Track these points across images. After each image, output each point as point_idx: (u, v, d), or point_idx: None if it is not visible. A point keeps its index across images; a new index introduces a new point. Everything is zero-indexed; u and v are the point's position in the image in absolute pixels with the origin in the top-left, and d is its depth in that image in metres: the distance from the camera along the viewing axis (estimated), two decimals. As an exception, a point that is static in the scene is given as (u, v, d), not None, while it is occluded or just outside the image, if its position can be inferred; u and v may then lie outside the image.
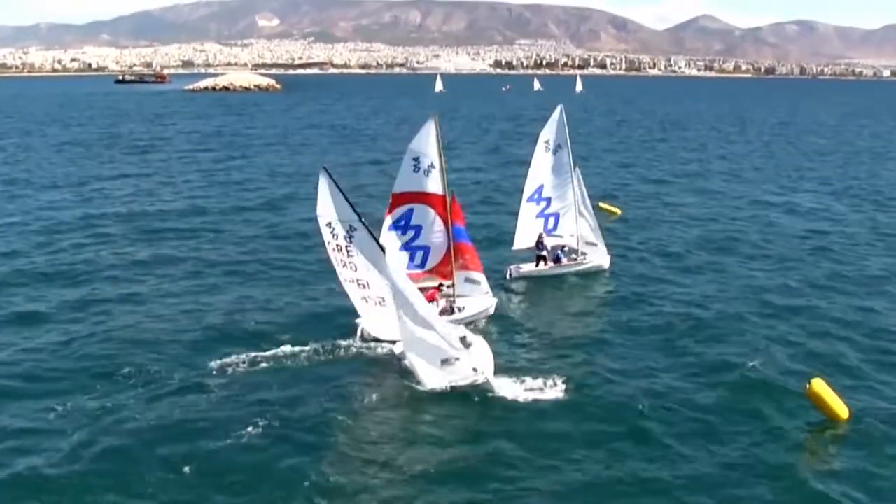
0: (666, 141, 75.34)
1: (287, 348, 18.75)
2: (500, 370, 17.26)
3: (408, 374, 17.01)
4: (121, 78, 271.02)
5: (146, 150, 63.38)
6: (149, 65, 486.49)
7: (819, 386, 15.50)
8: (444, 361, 16.45)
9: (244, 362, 18.05)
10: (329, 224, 18.03)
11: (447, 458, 14.11)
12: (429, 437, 14.95)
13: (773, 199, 41.76)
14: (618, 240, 30.33)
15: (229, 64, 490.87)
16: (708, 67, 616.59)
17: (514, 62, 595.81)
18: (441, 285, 20.90)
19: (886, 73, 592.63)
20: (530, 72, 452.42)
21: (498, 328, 20.92)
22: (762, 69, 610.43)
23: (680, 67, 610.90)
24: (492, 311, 21.61)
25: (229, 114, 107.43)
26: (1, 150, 61.94)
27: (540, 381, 16.85)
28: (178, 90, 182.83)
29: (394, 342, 18.25)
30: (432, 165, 19.68)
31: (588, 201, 26.39)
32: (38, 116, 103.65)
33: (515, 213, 26.54)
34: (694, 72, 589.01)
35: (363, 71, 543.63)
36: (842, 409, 15.38)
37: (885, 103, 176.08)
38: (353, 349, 18.97)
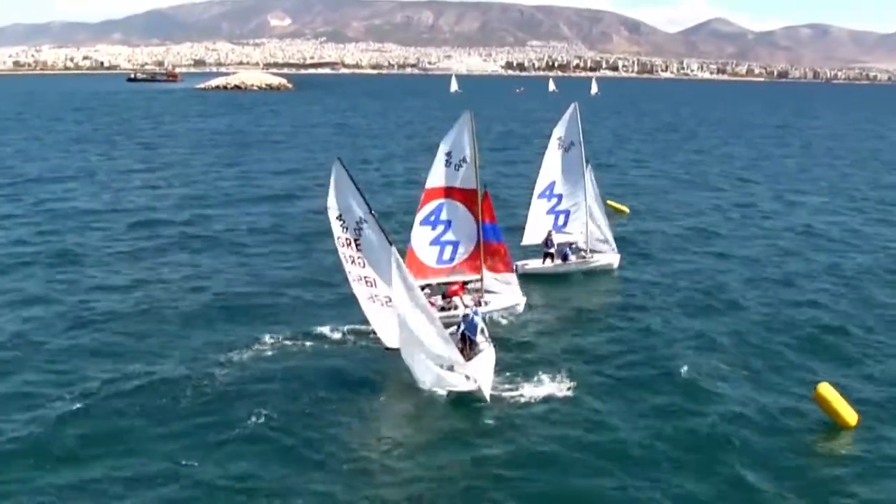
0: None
1: (289, 342, 18.96)
2: (500, 370, 17.11)
3: (406, 373, 16.83)
4: (133, 76, 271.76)
5: (155, 145, 63.70)
6: (160, 63, 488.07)
7: (826, 390, 15.29)
8: (440, 366, 16.45)
9: (245, 355, 18.18)
10: (339, 217, 17.79)
11: (446, 459, 14.00)
12: (428, 437, 14.86)
13: (795, 200, 41.26)
14: (625, 237, 29.95)
15: (241, 63, 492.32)
16: (720, 70, 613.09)
17: (526, 63, 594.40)
18: (467, 282, 20.94)
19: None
20: (542, 73, 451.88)
21: (499, 327, 20.68)
22: (775, 73, 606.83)
23: (692, 70, 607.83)
24: (520, 308, 21.50)
25: (240, 112, 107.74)
26: (13, 145, 62.31)
27: (540, 382, 16.78)
28: (189, 88, 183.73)
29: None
30: (464, 160, 19.87)
31: (600, 200, 26.15)
32: (52, 112, 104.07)
33: (525, 210, 26.38)
34: (706, 75, 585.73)
35: (374, 71, 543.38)
36: (849, 413, 15.17)
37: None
38: (354, 345, 19.01)
